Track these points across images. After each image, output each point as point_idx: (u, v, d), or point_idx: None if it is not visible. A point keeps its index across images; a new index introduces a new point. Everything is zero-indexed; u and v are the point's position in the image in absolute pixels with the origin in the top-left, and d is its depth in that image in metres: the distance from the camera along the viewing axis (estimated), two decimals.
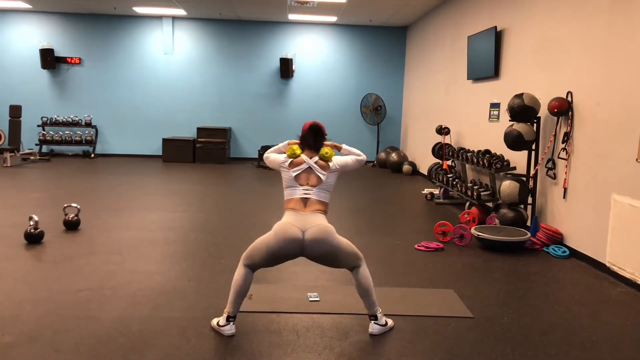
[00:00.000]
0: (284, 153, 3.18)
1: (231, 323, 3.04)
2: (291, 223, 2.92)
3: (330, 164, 3.10)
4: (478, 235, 5.08)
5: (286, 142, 3.23)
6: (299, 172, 3.05)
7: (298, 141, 3.18)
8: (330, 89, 12.32)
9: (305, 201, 3.00)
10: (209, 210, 6.65)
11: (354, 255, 3.07)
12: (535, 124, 5.58)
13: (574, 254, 4.91)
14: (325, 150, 3.11)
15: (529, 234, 5.09)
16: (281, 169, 3.12)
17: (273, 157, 3.20)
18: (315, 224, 2.93)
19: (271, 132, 12.29)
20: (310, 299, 3.60)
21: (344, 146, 3.31)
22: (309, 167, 3.06)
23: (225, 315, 3.06)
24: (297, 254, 2.96)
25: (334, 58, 12.27)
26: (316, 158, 3.09)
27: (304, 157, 3.09)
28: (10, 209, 6.32)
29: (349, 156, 3.25)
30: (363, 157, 3.29)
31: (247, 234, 5.44)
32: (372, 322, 3.11)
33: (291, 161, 3.08)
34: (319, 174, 3.05)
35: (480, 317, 3.43)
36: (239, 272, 3.04)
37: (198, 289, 3.78)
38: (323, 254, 2.95)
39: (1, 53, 11.86)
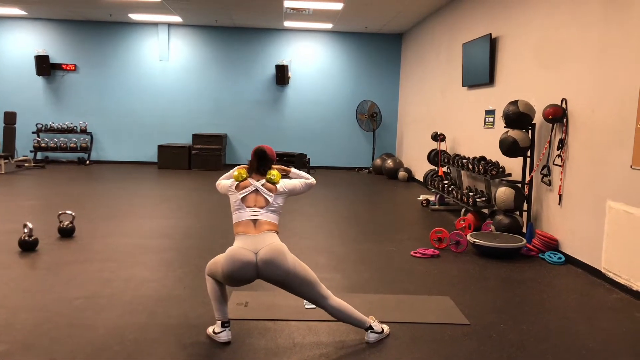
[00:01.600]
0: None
1: (227, 329, 3.04)
2: (242, 247, 2.91)
3: (278, 186, 3.11)
4: (474, 241, 5.08)
5: (236, 167, 3.24)
6: (245, 194, 3.05)
7: (246, 166, 3.20)
8: (326, 95, 12.35)
9: (254, 222, 3.00)
10: (205, 216, 6.64)
11: (310, 281, 2.98)
12: (530, 131, 5.61)
13: (570, 260, 4.93)
14: (272, 173, 3.12)
15: (524, 241, 5.10)
16: (229, 192, 3.13)
17: (223, 182, 3.22)
18: (267, 243, 2.91)
19: (267, 139, 12.29)
20: (307, 307, 3.59)
21: (293, 169, 3.35)
22: (256, 189, 3.07)
23: (218, 322, 3.05)
24: (253, 277, 2.92)
25: (330, 65, 12.31)
26: (263, 181, 3.10)
27: (251, 180, 3.10)
28: (4, 216, 6.28)
29: (297, 180, 3.27)
30: (312, 180, 3.30)
31: None
32: (368, 331, 3.11)
33: (238, 184, 3.09)
34: (266, 196, 3.05)
35: (476, 324, 3.43)
36: (208, 280, 3.09)
37: (194, 296, 3.77)
38: (276, 274, 2.90)
39: None
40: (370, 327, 3.10)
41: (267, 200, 3.05)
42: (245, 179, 3.10)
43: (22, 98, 11.87)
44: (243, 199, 3.04)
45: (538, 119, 5.54)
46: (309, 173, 11.28)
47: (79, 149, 11.83)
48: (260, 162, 3.13)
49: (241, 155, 12.33)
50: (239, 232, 2.99)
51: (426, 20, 10.18)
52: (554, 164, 5.28)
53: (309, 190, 3.30)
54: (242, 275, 2.90)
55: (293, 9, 9.61)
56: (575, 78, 4.97)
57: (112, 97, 12.06)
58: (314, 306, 3.59)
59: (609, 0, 4.49)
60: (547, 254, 5.05)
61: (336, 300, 3.05)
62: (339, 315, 3.07)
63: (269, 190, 3.07)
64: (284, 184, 3.13)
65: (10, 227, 5.57)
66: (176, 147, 11.63)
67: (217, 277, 3.02)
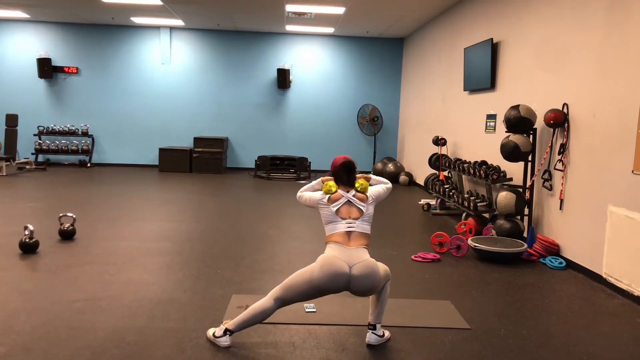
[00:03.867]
0: (318, 190, 3.22)
1: (227, 335, 3.03)
2: (337, 257, 2.89)
3: (367, 194, 3.13)
4: (475, 246, 5.08)
5: (319, 179, 3.27)
6: (338, 206, 3.06)
7: (332, 177, 3.20)
8: (327, 99, 12.36)
9: (349, 234, 3.00)
10: (205, 220, 6.63)
11: (387, 277, 3.12)
12: (531, 136, 5.61)
13: (571, 265, 4.92)
14: (360, 182, 3.15)
15: (525, 245, 5.09)
16: (319, 205, 3.12)
17: (308, 195, 3.22)
18: (362, 259, 2.91)
19: (268, 143, 12.31)
20: (307, 310, 3.59)
21: (373, 176, 3.35)
22: (348, 200, 3.08)
23: (223, 328, 3.03)
24: (342, 288, 2.90)
25: (331, 69, 12.32)
26: (353, 191, 3.11)
27: (340, 191, 3.10)
28: (5, 218, 6.29)
29: (379, 185, 3.28)
30: (390, 185, 3.33)
31: (243, 244, 5.43)
32: (371, 332, 3.11)
33: (329, 197, 3.10)
34: (359, 206, 3.07)
35: (477, 328, 3.42)
36: (266, 304, 2.96)
37: (194, 300, 3.76)
38: (367, 288, 2.93)
39: None
40: (374, 328, 3.11)
41: (360, 211, 3.06)
42: (336, 191, 3.11)
43: (24, 100, 11.89)
44: (337, 211, 3.04)
45: (539, 123, 5.54)
46: (309, 177, 11.31)
47: (80, 151, 11.84)
48: (349, 175, 3.14)
49: (242, 159, 12.34)
50: (333, 240, 2.98)
51: (428, 25, 10.19)
52: (555, 169, 5.27)
53: (388, 194, 3.32)
54: (333, 284, 2.87)
55: (295, 13, 9.63)
56: (577, 83, 4.97)
57: (113, 100, 12.08)
58: (314, 310, 3.59)
59: (610, 5, 4.50)
60: (548, 258, 5.04)
61: (388, 289, 3.15)
62: (382, 295, 3.11)
63: (361, 200, 3.09)
64: (371, 192, 3.16)
65: (11, 229, 5.57)
66: (177, 150, 11.63)
67: (297, 292, 2.92)
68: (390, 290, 4.08)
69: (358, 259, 2.90)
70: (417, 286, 4.28)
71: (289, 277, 3.01)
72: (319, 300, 3.76)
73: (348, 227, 3.00)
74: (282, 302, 2.97)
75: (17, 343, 2.98)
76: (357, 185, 3.13)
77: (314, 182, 3.30)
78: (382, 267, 3.05)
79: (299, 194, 3.28)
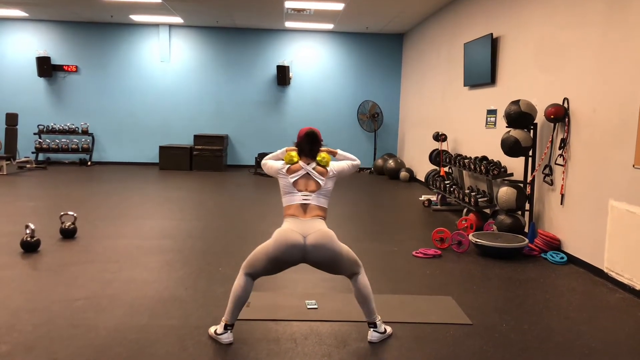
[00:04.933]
0: (282, 160, 3.19)
1: (229, 331, 3.03)
2: (292, 229, 2.91)
3: (328, 169, 3.11)
4: (476, 241, 5.08)
5: (284, 149, 3.23)
6: (297, 177, 3.05)
7: (295, 148, 3.18)
8: (327, 96, 12.34)
9: (305, 207, 3.00)
10: (206, 217, 6.63)
11: (354, 262, 3.07)
12: (532, 131, 5.60)
13: (572, 260, 4.92)
14: (322, 155, 3.12)
15: (526, 241, 5.09)
16: (279, 175, 3.12)
17: (270, 163, 3.20)
18: (316, 229, 2.93)
19: (268, 140, 12.29)
20: (309, 307, 3.59)
21: (339, 151, 3.33)
22: (307, 173, 3.07)
23: (222, 324, 3.04)
24: (298, 259, 2.94)
25: (331, 65, 12.30)
26: (314, 164, 3.10)
27: (301, 163, 3.09)
28: (6, 217, 6.29)
29: (344, 161, 3.27)
30: (358, 161, 3.31)
31: (244, 241, 5.43)
32: (371, 329, 3.10)
33: (289, 167, 3.09)
34: (318, 180, 3.06)
35: (478, 324, 3.42)
36: (239, 280, 3.02)
37: (195, 297, 3.77)
38: (325, 259, 2.94)
39: None
40: (375, 325, 3.10)
41: (318, 184, 3.05)
42: (296, 162, 3.09)
43: (23, 99, 11.88)
44: (294, 183, 3.04)
45: (540, 118, 5.53)
46: None
47: (80, 150, 11.83)
48: (312, 145, 3.12)
49: (243, 156, 12.33)
50: (289, 214, 3.00)
51: (427, 21, 10.17)
52: (555, 164, 5.27)
53: (355, 171, 3.31)
54: (288, 257, 2.90)
55: (294, 9, 9.61)
56: (577, 77, 4.96)
57: (113, 98, 12.07)
58: (316, 306, 3.59)
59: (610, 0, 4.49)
60: (549, 253, 5.04)
61: (365, 279, 3.09)
62: (361, 292, 3.07)
63: (320, 174, 3.08)
64: (333, 167, 3.14)
65: (13, 228, 5.57)
66: (177, 148, 11.63)
67: (258, 266, 2.96)
68: (392, 286, 4.10)
69: (312, 228, 2.92)
70: (419, 282, 4.28)
71: (252, 251, 3.05)
72: (321, 297, 3.77)
73: (304, 199, 3.01)
74: (252, 276, 3.01)
75: (19, 341, 2.99)
76: (318, 158, 3.11)
77: (278, 152, 3.26)
78: (343, 247, 3.02)
79: (263, 161, 3.26)
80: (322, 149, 3.19)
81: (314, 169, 3.08)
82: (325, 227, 2.98)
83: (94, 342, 3.01)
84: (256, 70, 12.19)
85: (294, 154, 3.12)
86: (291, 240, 2.88)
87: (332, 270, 3.06)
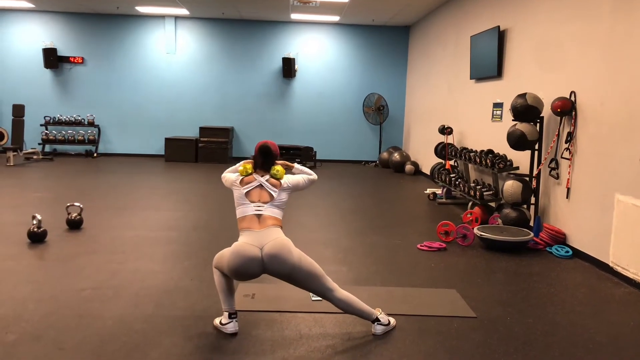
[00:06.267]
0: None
1: (234, 320, 3.05)
2: (247, 242, 2.91)
3: (282, 181, 3.13)
4: (481, 235, 5.07)
5: (242, 162, 3.24)
6: (249, 189, 3.07)
7: (251, 161, 3.21)
8: (333, 88, 12.32)
9: (258, 218, 3.01)
10: (212, 209, 6.65)
11: (316, 275, 2.99)
12: (538, 124, 5.57)
13: (577, 254, 4.90)
14: (276, 169, 3.14)
15: (531, 234, 5.08)
16: (233, 187, 3.14)
17: (228, 176, 3.23)
18: (272, 238, 2.92)
19: (273, 132, 12.28)
20: (313, 299, 3.60)
21: (296, 165, 3.37)
22: (260, 184, 3.09)
23: (225, 314, 3.07)
24: (258, 272, 2.93)
25: (337, 58, 12.27)
26: (267, 176, 3.12)
27: (255, 175, 3.12)
28: (13, 208, 6.33)
29: (300, 175, 3.29)
30: (314, 176, 3.33)
31: None
32: (375, 324, 3.11)
33: (242, 179, 3.12)
34: (270, 191, 3.08)
35: (483, 317, 3.42)
36: (215, 274, 3.11)
37: (201, 288, 3.79)
38: (282, 269, 2.91)
39: (4, 52, 11.89)
40: (377, 319, 3.11)
41: (271, 196, 3.07)
42: (250, 174, 3.13)
43: (30, 91, 11.91)
44: (247, 194, 3.06)
45: (546, 112, 5.50)
46: (315, 166, 11.30)
47: (86, 141, 11.87)
48: (265, 159, 3.15)
49: (248, 148, 12.33)
50: (243, 227, 3.01)
51: (434, 13, 10.11)
52: (562, 157, 5.25)
53: (311, 185, 3.33)
54: (247, 270, 2.91)
55: (300, 1, 9.57)
56: (584, 71, 4.93)
57: (119, 89, 12.08)
58: (320, 298, 3.60)
59: None
60: (554, 247, 5.03)
61: (342, 293, 3.06)
62: (345, 308, 3.07)
63: (273, 185, 3.10)
64: (287, 180, 3.16)
65: (19, 218, 5.61)
66: (183, 140, 11.65)
67: (224, 271, 3.04)
68: (397, 279, 4.10)
69: (268, 237, 2.92)
70: (423, 275, 4.29)
71: (217, 254, 3.11)
72: None
73: (256, 210, 3.02)
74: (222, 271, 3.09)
75: (26, 331, 3.01)
76: (272, 171, 3.13)
77: (237, 165, 3.28)
78: (305, 259, 2.96)
79: (223, 174, 3.28)
80: (278, 162, 3.22)
81: (267, 180, 3.10)
82: (282, 236, 2.97)
83: (100, 331, 3.03)
84: (262, 62, 12.17)
85: (249, 166, 3.15)
86: (248, 254, 2.88)
87: (296, 283, 3.01)
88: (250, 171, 3.13)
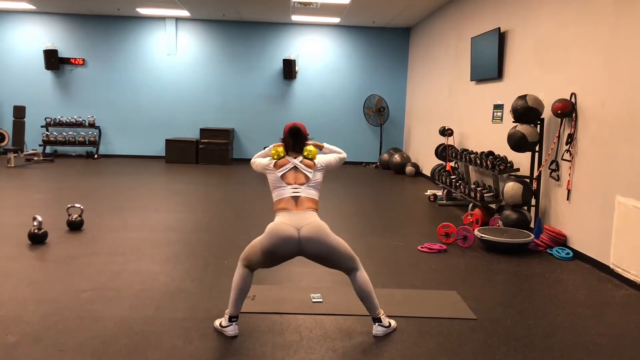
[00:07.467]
0: (269, 157, 3.22)
1: (234, 323, 3.05)
2: (285, 222, 2.93)
3: (315, 161, 3.14)
4: (481, 236, 5.07)
5: (271, 145, 3.24)
6: (284, 171, 3.08)
7: (281, 143, 3.21)
8: (333, 90, 12.32)
9: (295, 200, 3.02)
10: (212, 211, 6.65)
11: (350, 256, 3.07)
12: (539, 126, 5.57)
13: (578, 255, 4.90)
14: (308, 149, 3.15)
15: (532, 236, 5.07)
16: (266, 171, 3.15)
17: (258, 161, 3.23)
18: (309, 221, 2.95)
19: (274, 133, 12.21)
20: (313, 300, 3.60)
21: (326, 145, 3.36)
22: (295, 166, 3.10)
23: (226, 316, 3.06)
24: (294, 253, 2.96)
25: (337, 59, 12.27)
26: (300, 157, 3.13)
27: (288, 157, 3.13)
28: (14, 209, 6.33)
29: (331, 154, 3.30)
30: (344, 155, 3.35)
31: (249, 234, 5.42)
32: (376, 324, 3.11)
33: (275, 162, 3.12)
34: (306, 172, 3.09)
35: (483, 318, 3.42)
36: (238, 272, 3.06)
37: (201, 290, 3.79)
38: (320, 251, 2.96)
39: (5, 54, 11.90)
40: (379, 320, 3.11)
41: (306, 177, 3.08)
42: (283, 156, 3.13)
43: (31, 92, 11.92)
44: (283, 177, 3.07)
45: (547, 113, 5.50)
46: None
47: (87, 142, 11.88)
48: (296, 140, 3.15)
49: (248, 150, 12.34)
50: (280, 208, 3.02)
51: (434, 14, 10.12)
52: (562, 159, 5.25)
53: (341, 164, 3.34)
54: (283, 250, 2.92)
55: (300, 2, 9.58)
56: (585, 72, 4.93)
57: (120, 91, 12.09)
58: (321, 300, 3.60)
59: None
60: (555, 249, 5.03)
61: (365, 276, 3.10)
62: (360, 291, 3.08)
63: (308, 166, 3.10)
64: (320, 160, 3.17)
65: (20, 220, 5.61)
66: (184, 142, 11.65)
67: (254, 260, 3.00)
68: (397, 280, 4.10)
69: (306, 220, 2.94)
70: (424, 276, 4.28)
71: (249, 244, 3.08)
72: (326, 290, 3.78)
73: (294, 192, 3.03)
74: (250, 268, 3.04)
75: (27, 332, 3.01)
76: (305, 152, 3.14)
77: (265, 149, 3.29)
78: (339, 241, 3.03)
79: (252, 160, 3.28)
80: (308, 142, 3.22)
81: (301, 162, 3.11)
82: (318, 219, 3.00)
83: (100, 333, 3.03)
84: (262, 63, 12.18)
85: (280, 149, 3.15)
86: (285, 233, 2.90)
87: (329, 264, 3.07)
88: (282, 154, 3.13)
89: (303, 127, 3.21)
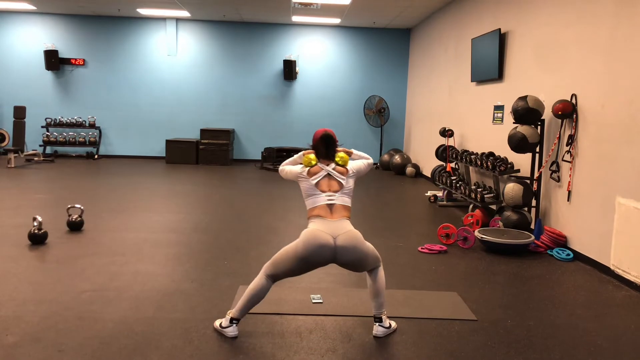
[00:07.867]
0: (300, 164, 3.22)
1: (234, 325, 3.04)
2: (321, 230, 2.92)
3: (348, 168, 3.14)
4: (482, 237, 5.06)
5: (301, 153, 3.24)
6: (318, 179, 3.07)
7: (312, 150, 3.20)
8: (334, 90, 12.32)
9: (330, 207, 3.02)
10: (212, 211, 6.65)
11: (376, 258, 3.12)
12: (539, 127, 5.57)
13: (578, 257, 4.90)
14: (340, 155, 3.15)
15: (532, 237, 5.07)
16: (299, 179, 3.13)
17: (289, 168, 3.22)
18: (345, 230, 2.95)
19: (274, 134, 12.29)
20: (313, 301, 3.60)
21: (354, 151, 3.34)
22: (328, 173, 3.09)
23: (228, 318, 3.05)
24: (327, 260, 2.94)
25: (338, 60, 12.28)
26: (333, 164, 3.12)
27: (320, 165, 3.12)
28: (14, 209, 6.33)
29: (360, 160, 3.29)
30: (371, 160, 3.36)
31: (250, 235, 5.45)
32: (377, 324, 3.11)
33: (308, 170, 3.11)
34: (339, 179, 3.08)
35: (483, 320, 3.42)
36: (259, 281, 3.02)
37: (201, 291, 3.78)
38: (353, 260, 2.97)
39: (6, 54, 11.91)
40: (380, 320, 3.11)
41: (340, 184, 3.08)
42: (315, 164, 3.12)
43: (31, 92, 11.93)
44: (317, 184, 3.06)
45: (547, 114, 5.50)
46: None
47: (87, 143, 11.88)
48: (328, 148, 3.15)
49: (249, 150, 12.35)
50: (314, 214, 3.01)
51: (435, 15, 10.12)
52: (563, 160, 5.24)
53: (369, 169, 3.35)
54: (318, 257, 2.90)
55: (301, 3, 9.59)
56: (585, 73, 4.93)
57: (120, 91, 12.10)
58: (321, 300, 3.60)
59: None
60: (555, 250, 5.03)
61: (382, 273, 3.16)
62: (378, 285, 3.11)
63: (341, 173, 3.11)
64: (352, 166, 3.18)
65: (20, 220, 5.61)
66: (184, 142, 11.65)
67: (283, 268, 2.97)
68: (397, 281, 4.10)
69: (342, 229, 2.94)
70: (424, 277, 4.28)
71: (277, 252, 3.04)
72: (326, 291, 3.78)
73: (328, 199, 3.02)
74: (274, 278, 3.03)
75: (27, 333, 3.01)
76: (337, 158, 3.13)
77: (295, 156, 3.28)
78: (369, 246, 3.07)
79: (280, 167, 3.28)
80: (339, 149, 3.21)
81: (334, 169, 3.10)
82: (353, 228, 3.01)
83: (100, 334, 3.03)
84: (263, 64, 12.18)
85: (312, 156, 3.14)
86: (322, 240, 2.88)
87: (357, 269, 3.10)
88: (314, 162, 3.12)
89: (334, 135, 3.20)
